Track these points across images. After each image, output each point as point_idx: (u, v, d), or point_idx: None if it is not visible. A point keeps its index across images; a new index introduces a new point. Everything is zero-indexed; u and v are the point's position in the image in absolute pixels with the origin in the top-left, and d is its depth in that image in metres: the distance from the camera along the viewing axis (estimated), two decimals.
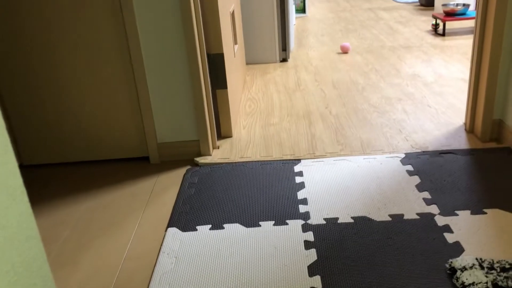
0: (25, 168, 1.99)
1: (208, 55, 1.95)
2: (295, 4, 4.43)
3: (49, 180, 1.89)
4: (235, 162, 1.89)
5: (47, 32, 1.78)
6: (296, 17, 4.43)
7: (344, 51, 3.29)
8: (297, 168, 1.81)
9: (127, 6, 1.73)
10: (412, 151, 1.88)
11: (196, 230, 1.49)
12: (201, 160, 1.92)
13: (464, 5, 3.63)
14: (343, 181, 1.70)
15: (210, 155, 1.96)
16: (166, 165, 1.94)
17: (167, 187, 1.78)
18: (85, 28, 1.77)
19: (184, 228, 1.50)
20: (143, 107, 1.88)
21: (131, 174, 1.89)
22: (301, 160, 1.87)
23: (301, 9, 4.56)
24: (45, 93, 1.87)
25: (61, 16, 1.76)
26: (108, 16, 1.75)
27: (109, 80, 1.85)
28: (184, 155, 1.95)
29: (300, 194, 1.63)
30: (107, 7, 1.74)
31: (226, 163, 1.90)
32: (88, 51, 1.81)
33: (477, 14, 1.85)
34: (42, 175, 1.93)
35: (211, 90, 1.96)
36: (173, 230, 1.50)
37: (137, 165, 1.96)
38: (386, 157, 1.84)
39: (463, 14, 3.56)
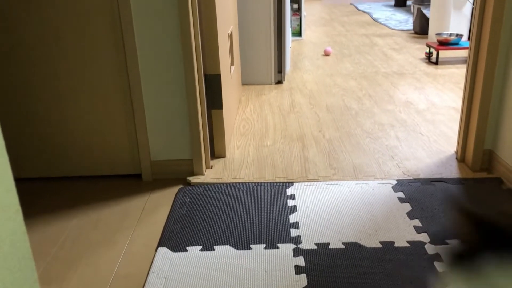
0: (15, 181, 1.97)
1: (205, 76, 1.97)
2: (291, 27, 4.49)
3: (40, 195, 1.88)
4: (228, 183, 1.89)
5: (44, 47, 1.79)
6: (292, 40, 4.49)
7: (326, 53, 3.91)
8: (289, 191, 1.82)
9: (127, 26, 1.75)
10: (403, 178, 1.89)
11: (187, 250, 1.48)
12: (193, 179, 1.92)
13: (457, 35, 3.70)
14: (335, 206, 1.70)
15: (203, 174, 1.96)
16: (158, 183, 1.93)
17: (158, 205, 1.77)
18: (83, 44, 1.79)
19: (174, 249, 1.49)
20: (138, 125, 1.89)
21: (123, 191, 1.88)
22: (294, 183, 1.87)
23: (298, 32, 4.62)
24: (39, 107, 1.87)
25: (60, 33, 1.77)
26: (108, 33, 1.77)
27: (106, 96, 1.85)
28: (177, 173, 1.95)
29: (292, 218, 1.64)
30: (106, 25, 1.76)
31: (219, 183, 1.89)
32: (85, 67, 1.82)
33: (470, 45, 1.89)
34: (33, 189, 1.91)
35: (207, 110, 1.97)
36: (163, 250, 1.49)
37: (129, 182, 1.95)
38: (378, 183, 1.85)
39: (456, 44, 3.63)
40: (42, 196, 1.87)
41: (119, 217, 1.70)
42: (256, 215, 1.66)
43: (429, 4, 4.31)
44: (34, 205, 1.80)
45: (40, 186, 1.94)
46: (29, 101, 1.86)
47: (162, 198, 1.82)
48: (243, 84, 3.23)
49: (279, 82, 3.26)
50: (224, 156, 2.13)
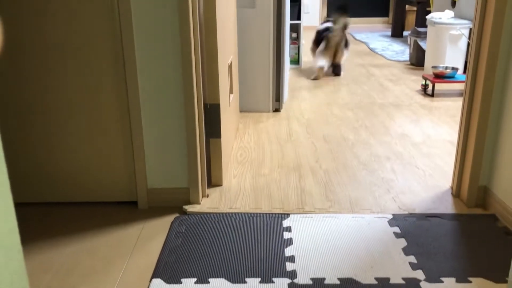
0: None
1: (205, 105, 1.99)
2: (290, 55, 4.55)
3: (35, 220, 1.87)
4: (224, 213, 1.89)
5: (42, 74, 1.80)
6: (291, 68, 4.54)
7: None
8: (285, 223, 1.82)
9: (129, 53, 1.77)
10: (399, 213, 1.90)
11: (181, 283, 1.47)
12: (189, 208, 1.92)
13: (453, 68, 3.77)
14: (331, 240, 1.70)
15: (199, 203, 1.95)
16: (154, 211, 1.93)
17: (154, 234, 1.76)
18: (83, 71, 1.80)
19: (168, 280, 1.48)
20: (136, 152, 1.89)
21: (119, 218, 1.88)
22: (290, 215, 1.88)
23: (296, 61, 4.69)
24: (37, 132, 1.88)
25: (60, 61, 1.79)
26: (108, 60, 1.79)
27: (104, 123, 1.86)
28: (173, 201, 1.95)
29: (288, 251, 1.63)
30: (108, 52, 1.78)
31: (215, 213, 1.89)
32: (85, 94, 1.83)
33: (466, 80, 1.93)
34: (28, 214, 1.90)
35: (205, 139, 1.98)
36: (157, 281, 1.47)
37: (125, 209, 1.94)
38: (374, 217, 1.86)
39: (452, 77, 3.69)
40: (37, 222, 1.85)
41: (114, 245, 1.69)
42: (252, 247, 1.65)
43: (425, 37, 4.39)
44: (28, 231, 1.78)
45: (35, 212, 1.92)
46: (27, 126, 1.87)
47: (157, 226, 1.81)
48: (241, 111, 3.25)
49: (277, 110, 3.29)
50: (221, 185, 2.13)
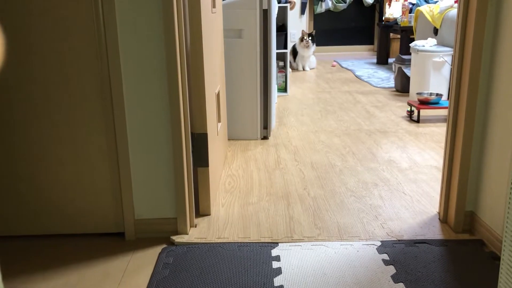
0: None
1: (192, 134, 2.00)
2: (277, 83, 4.61)
3: (17, 254, 1.83)
4: (212, 243, 1.88)
5: (26, 105, 1.80)
6: (278, 96, 4.59)
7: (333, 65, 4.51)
8: (274, 252, 1.80)
9: (117, 85, 1.78)
10: (388, 239, 1.90)
11: None
12: (177, 238, 1.90)
13: (437, 94, 3.84)
14: (320, 268, 1.69)
15: (187, 233, 1.94)
16: (141, 242, 1.91)
17: (141, 266, 1.74)
18: (69, 104, 1.81)
19: None
20: (123, 182, 1.88)
21: (105, 250, 1.85)
22: (279, 244, 1.87)
23: (283, 88, 4.74)
24: (20, 162, 1.86)
25: (43, 92, 1.79)
26: (95, 91, 1.80)
27: (90, 153, 1.86)
28: (160, 232, 1.93)
29: (277, 281, 1.62)
30: (94, 81, 1.79)
31: (203, 243, 1.88)
32: (71, 125, 1.83)
33: (449, 105, 1.96)
34: (9, 248, 1.87)
35: (192, 168, 1.98)
36: None
37: (112, 241, 1.92)
38: (363, 244, 1.86)
39: (437, 103, 3.75)
40: (19, 256, 1.82)
41: (99, 279, 1.66)
42: (240, 278, 1.63)
43: (410, 64, 4.48)
44: (9, 265, 1.75)
45: (17, 245, 1.89)
46: (11, 157, 1.86)
47: (145, 258, 1.79)
48: (229, 139, 3.27)
49: (265, 137, 3.31)
50: (209, 214, 2.12)
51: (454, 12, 4.49)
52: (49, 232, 1.94)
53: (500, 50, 1.77)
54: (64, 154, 1.86)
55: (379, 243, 1.86)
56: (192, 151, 1.99)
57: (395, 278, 1.63)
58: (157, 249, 1.85)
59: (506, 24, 1.72)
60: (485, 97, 1.85)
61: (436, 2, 5.50)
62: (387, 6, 7.21)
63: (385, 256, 1.77)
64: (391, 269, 1.68)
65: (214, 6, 2.37)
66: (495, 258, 1.75)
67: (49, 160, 1.86)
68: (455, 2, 4.55)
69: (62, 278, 1.67)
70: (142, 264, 1.75)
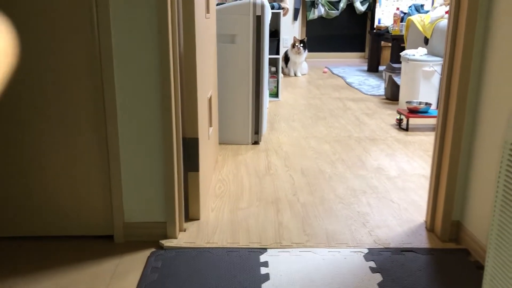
0: None
1: (184, 139, 2.00)
2: (269, 89, 4.63)
3: (4, 255, 1.82)
4: (201, 247, 1.89)
5: (18, 108, 1.80)
6: (270, 101, 4.61)
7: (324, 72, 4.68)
8: (263, 258, 1.82)
9: (109, 89, 1.79)
10: (375, 247, 1.92)
11: None
12: (166, 243, 1.90)
13: (426, 103, 3.88)
14: (308, 275, 1.71)
15: (176, 238, 1.94)
16: (130, 245, 1.91)
17: (129, 270, 1.74)
18: (61, 107, 1.81)
19: None
20: (113, 185, 1.88)
21: (94, 253, 1.85)
22: (267, 249, 1.88)
23: (275, 94, 4.77)
24: (10, 163, 1.86)
25: (35, 94, 1.79)
26: (88, 95, 1.80)
27: (82, 155, 1.86)
28: (150, 236, 1.93)
29: (265, 287, 1.63)
30: (88, 86, 1.80)
31: (192, 247, 1.88)
32: (62, 127, 1.83)
33: (438, 114, 2.00)
34: None
35: (183, 172, 1.99)
36: None
37: (101, 243, 1.92)
38: (350, 251, 1.88)
39: (426, 112, 3.80)
40: (7, 257, 1.81)
41: (88, 282, 1.66)
42: (228, 283, 1.64)
43: (400, 73, 4.53)
44: None
45: (6, 246, 1.88)
46: (1, 159, 1.85)
47: (133, 261, 1.79)
48: (220, 143, 3.28)
49: (256, 142, 3.33)
50: (199, 219, 2.12)
51: (444, 22, 4.55)
52: (38, 233, 1.93)
53: (489, 61, 1.80)
54: (55, 156, 1.86)
55: (366, 251, 1.88)
56: (183, 156, 2.00)
57: (382, 286, 1.65)
58: (146, 253, 1.85)
59: (496, 36, 1.76)
60: (473, 107, 1.89)
61: (427, 12, 5.57)
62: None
63: (372, 264, 1.79)
64: (378, 277, 1.70)
65: (208, 11, 2.38)
66: (479, 268, 1.78)
67: (39, 162, 1.86)
68: (446, 12, 4.62)
69: (51, 280, 1.66)
70: (130, 267, 1.75)
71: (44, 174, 1.87)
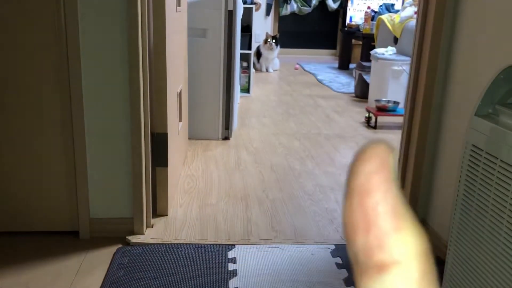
0: None
1: (152, 134, 1.98)
2: (240, 84, 4.62)
3: None
4: (169, 243, 1.87)
5: None
6: (241, 96, 4.60)
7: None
8: (230, 254, 1.82)
9: (76, 81, 1.74)
10: (341, 243, 1.95)
11: None
12: (133, 239, 1.88)
13: (394, 102, 3.96)
14: (275, 271, 1.72)
15: (143, 234, 1.92)
16: (96, 241, 1.87)
17: (95, 266, 1.71)
18: (25, 100, 1.76)
19: None
20: (79, 180, 1.84)
21: (58, 249, 1.81)
22: (236, 246, 1.88)
23: (246, 89, 4.76)
24: None
25: (5, 92, 1.74)
26: (54, 85, 1.75)
27: (46, 149, 1.81)
28: (116, 232, 1.90)
29: (232, 283, 1.63)
30: (53, 77, 1.75)
31: (159, 244, 1.87)
32: (26, 120, 1.78)
33: (405, 113, 2.04)
34: None
35: (151, 168, 1.96)
36: None
37: (65, 239, 1.88)
38: (317, 248, 1.90)
39: (394, 110, 3.87)
40: None
41: (51, 279, 1.62)
42: (196, 279, 1.64)
43: (370, 71, 4.60)
44: None
45: None
46: None
47: (99, 258, 1.76)
48: (190, 138, 3.25)
49: (226, 138, 3.32)
50: (166, 215, 2.10)
51: (414, 22, 4.64)
52: (0, 229, 1.87)
53: (454, 62, 1.85)
54: (18, 150, 1.80)
55: (333, 247, 1.91)
56: (151, 151, 1.97)
57: (347, 282, 1.68)
58: (112, 249, 1.82)
59: (461, 37, 1.81)
60: (439, 107, 1.94)
61: (397, 11, 5.66)
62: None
63: (338, 260, 1.82)
64: (344, 273, 1.73)
65: (179, 4, 2.35)
66: (441, 263, 1.83)
67: (2, 156, 1.80)
68: (415, 13, 4.71)
69: (12, 276, 1.62)
70: (96, 264, 1.72)
71: (5, 168, 1.81)
